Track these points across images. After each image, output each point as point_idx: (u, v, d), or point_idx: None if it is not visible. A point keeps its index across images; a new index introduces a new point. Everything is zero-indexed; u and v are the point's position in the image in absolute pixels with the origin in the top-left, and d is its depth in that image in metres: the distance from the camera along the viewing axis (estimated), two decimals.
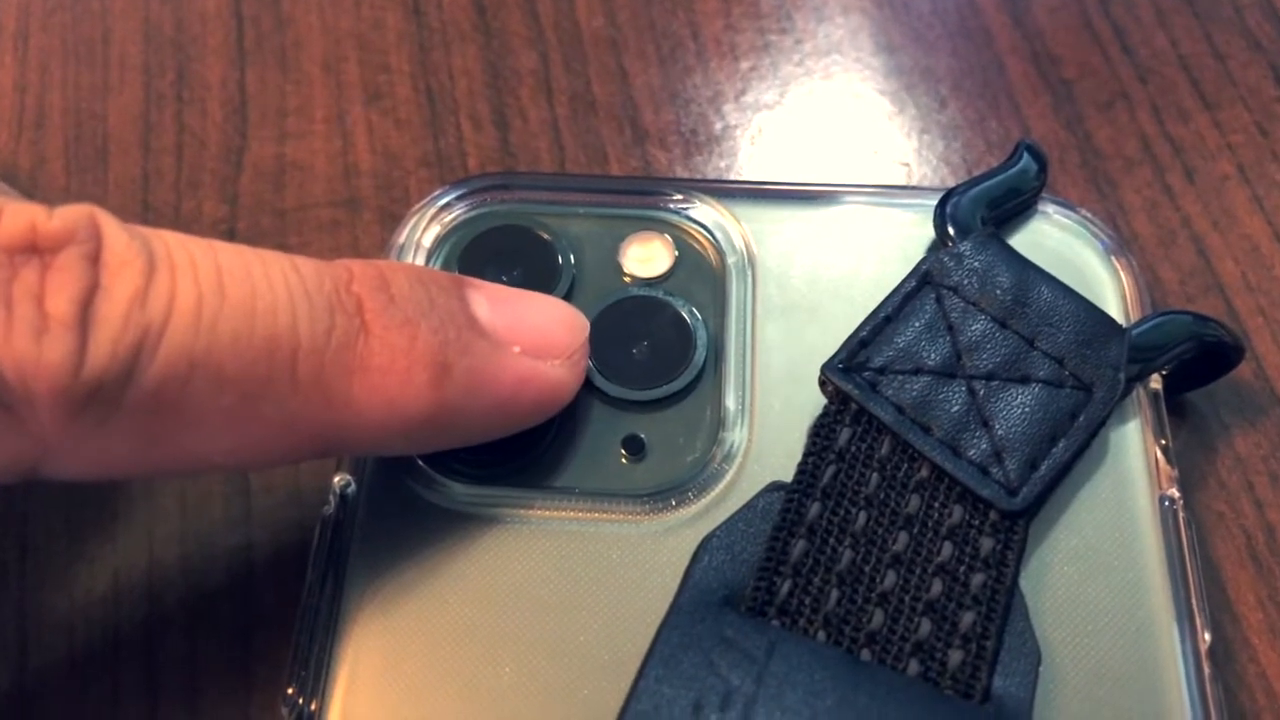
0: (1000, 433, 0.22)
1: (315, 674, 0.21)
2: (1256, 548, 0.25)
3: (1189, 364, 0.24)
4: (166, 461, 0.19)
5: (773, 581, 0.21)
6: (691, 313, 0.25)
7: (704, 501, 0.23)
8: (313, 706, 0.21)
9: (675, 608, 0.21)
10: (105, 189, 0.30)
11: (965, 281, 0.24)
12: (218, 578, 0.24)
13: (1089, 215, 0.26)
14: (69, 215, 0.17)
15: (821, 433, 0.23)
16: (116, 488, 0.25)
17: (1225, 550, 0.25)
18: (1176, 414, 0.25)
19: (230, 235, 0.29)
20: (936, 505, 0.22)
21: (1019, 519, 0.22)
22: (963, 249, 0.24)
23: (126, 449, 0.18)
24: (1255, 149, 0.30)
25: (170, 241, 0.18)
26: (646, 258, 0.26)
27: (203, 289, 0.18)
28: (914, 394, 0.23)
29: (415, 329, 0.20)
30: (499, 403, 0.21)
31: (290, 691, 0.21)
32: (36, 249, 0.17)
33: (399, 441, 0.21)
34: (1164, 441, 0.24)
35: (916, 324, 0.23)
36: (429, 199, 0.27)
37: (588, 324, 0.23)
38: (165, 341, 0.17)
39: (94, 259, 0.17)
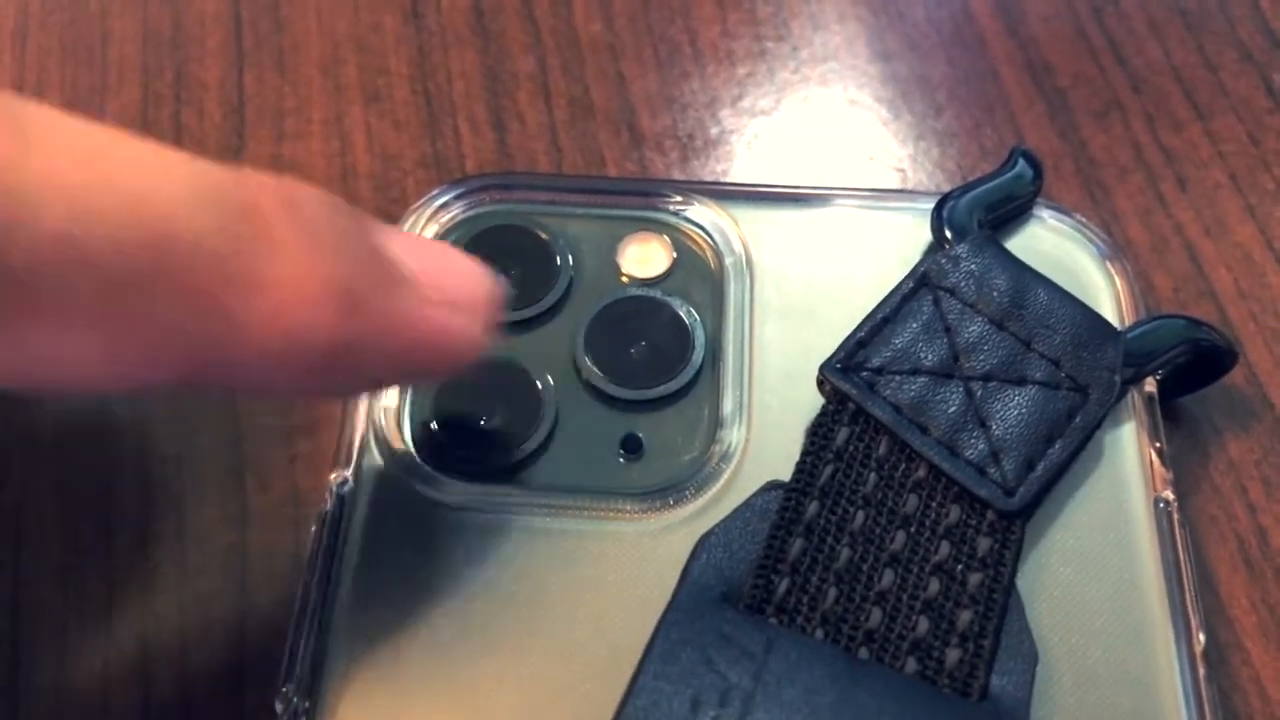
0: (997, 433, 0.22)
1: (310, 672, 0.21)
2: (1249, 551, 0.25)
3: (1183, 368, 0.25)
4: (25, 362, 0.16)
5: (771, 579, 0.21)
6: (689, 313, 0.25)
7: (702, 500, 0.23)
8: (307, 704, 0.21)
9: (673, 605, 0.21)
10: None
11: (962, 283, 0.24)
12: (212, 576, 0.24)
13: (1084, 220, 0.26)
14: None
15: (819, 432, 0.23)
16: (110, 483, 0.25)
17: (1219, 554, 0.25)
18: (1170, 419, 0.25)
19: None
20: (934, 505, 0.22)
21: (1016, 519, 0.22)
22: (960, 251, 0.24)
23: None
24: (1247, 158, 0.30)
25: (54, 118, 0.16)
26: (644, 258, 0.26)
27: (89, 171, 0.16)
28: (912, 394, 0.23)
29: (327, 252, 0.18)
30: (408, 348, 0.19)
31: (285, 689, 0.21)
32: None
33: (290, 377, 0.18)
34: (1159, 444, 0.24)
35: (914, 325, 0.24)
36: (426, 198, 0.27)
37: (498, 283, 0.21)
38: (40, 218, 0.15)
39: None
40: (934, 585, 0.21)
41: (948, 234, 0.25)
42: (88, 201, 0.15)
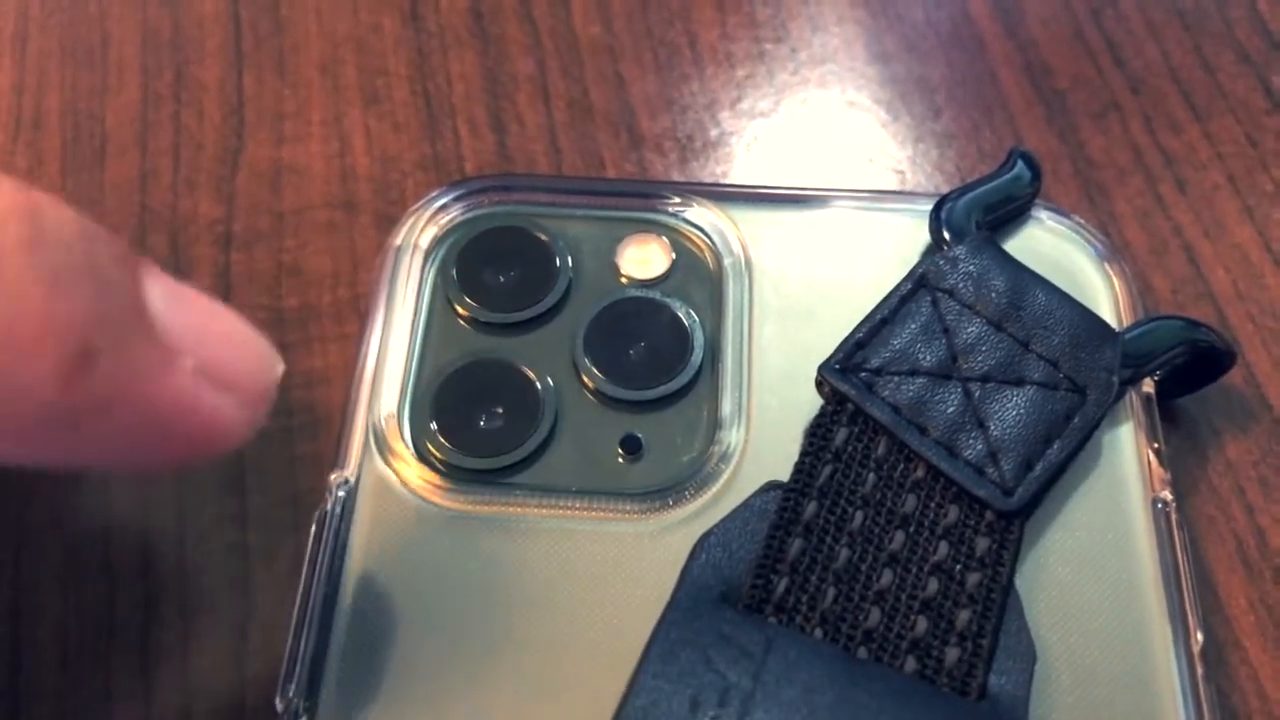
0: (996, 434, 0.22)
1: (310, 672, 0.21)
2: (1247, 552, 0.25)
3: (1181, 369, 0.25)
4: None
5: (770, 579, 0.21)
6: (689, 314, 0.25)
7: (701, 501, 0.23)
8: (307, 704, 0.21)
9: (673, 605, 0.21)
10: (102, 189, 0.30)
11: (961, 285, 0.24)
12: (213, 576, 0.24)
13: (1082, 222, 0.27)
14: None
15: (818, 433, 0.23)
16: (110, 485, 0.25)
17: (1216, 554, 0.25)
18: (1169, 420, 0.25)
19: (226, 235, 0.29)
20: (933, 505, 0.22)
21: (1014, 519, 0.22)
22: (958, 253, 0.25)
23: None
24: (1245, 160, 0.30)
25: None
26: (644, 259, 0.26)
27: None
28: (910, 395, 0.23)
29: (60, 288, 0.14)
30: (146, 423, 0.16)
31: (285, 689, 0.21)
32: None
33: None
34: (1157, 445, 0.24)
35: (913, 326, 0.24)
36: (426, 200, 0.27)
37: (281, 365, 0.18)
38: None
39: None
40: (933, 585, 0.21)
41: (946, 235, 0.25)
42: None
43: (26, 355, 0.14)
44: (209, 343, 0.17)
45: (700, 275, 0.26)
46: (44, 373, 0.14)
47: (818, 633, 0.21)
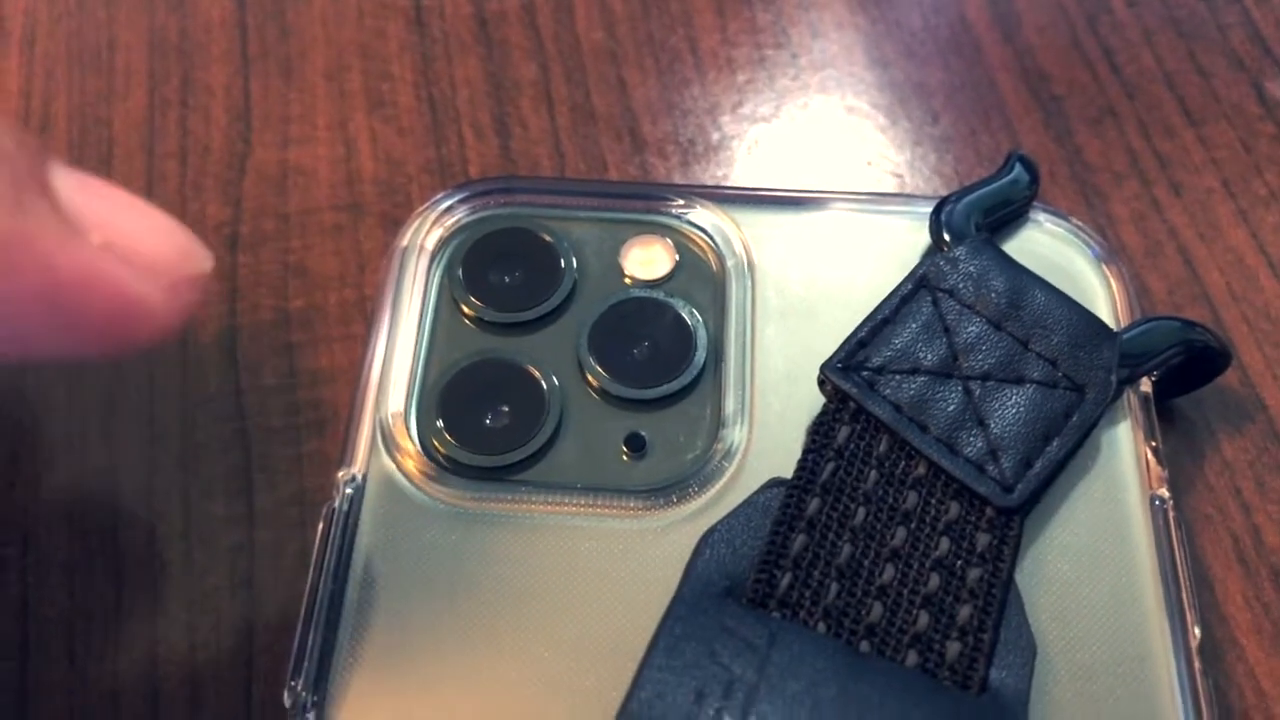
0: (996, 431, 0.23)
1: (318, 667, 0.21)
2: (1244, 549, 0.25)
3: (1177, 369, 0.25)
4: None
5: (773, 574, 0.21)
6: (692, 314, 0.25)
7: (704, 498, 0.23)
8: (315, 698, 0.21)
9: (678, 599, 0.21)
10: None
11: (961, 285, 0.24)
12: (220, 573, 0.24)
13: (1079, 224, 0.27)
14: None
15: (821, 430, 0.23)
16: (120, 485, 0.25)
17: (1213, 552, 0.25)
18: (1165, 420, 0.26)
19: (233, 237, 0.29)
20: (934, 501, 0.22)
21: (1014, 515, 0.22)
22: (958, 254, 0.25)
23: None
24: (1239, 164, 0.31)
25: None
26: (647, 260, 0.26)
27: None
28: (911, 393, 0.23)
29: None
30: (46, 291, 0.15)
31: (293, 684, 0.21)
32: None
33: None
34: (1154, 443, 0.24)
35: (913, 325, 0.24)
36: (431, 202, 0.27)
37: (209, 258, 0.18)
38: None
39: None
40: (934, 580, 0.22)
41: (946, 237, 0.25)
42: None
43: None
44: (120, 224, 0.17)
45: (703, 276, 0.26)
46: None
47: (821, 627, 0.21)
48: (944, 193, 0.27)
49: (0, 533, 0.25)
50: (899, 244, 0.26)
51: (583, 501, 0.23)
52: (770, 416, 0.24)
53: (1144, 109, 0.32)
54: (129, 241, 0.16)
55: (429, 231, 0.27)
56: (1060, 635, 0.22)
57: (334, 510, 0.23)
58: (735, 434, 0.24)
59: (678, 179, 0.30)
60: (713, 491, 0.23)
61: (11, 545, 0.25)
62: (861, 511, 0.22)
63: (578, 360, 0.25)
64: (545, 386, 0.25)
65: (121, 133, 0.31)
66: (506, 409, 0.24)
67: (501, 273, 0.26)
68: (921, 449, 0.23)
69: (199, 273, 0.18)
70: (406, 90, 0.32)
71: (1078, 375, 0.24)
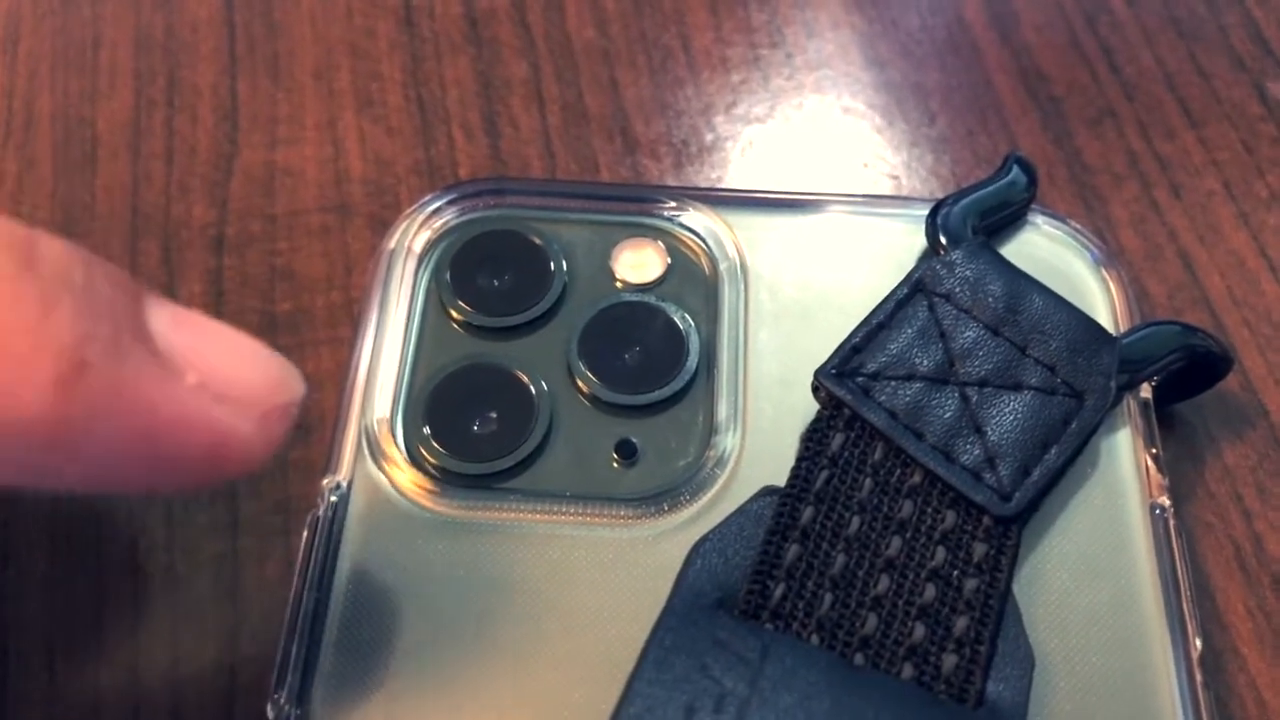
0: (993, 439, 0.22)
1: (301, 679, 0.21)
2: (1245, 557, 0.25)
3: (1178, 374, 0.25)
4: None
5: (766, 585, 0.21)
6: (684, 318, 0.25)
7: (696, 506, 0.23)
8: (298, 712, 0.21)
9: (668, 611, 0.21)
10: (93, 193, 0.29)
11: (957, 289, 0.24)
12: (203, 583, 0.24)
13: (1078, 227, 0.26)
14: None
15: (815, 438, 0.23)
16: (102, 496, 0.25)
17: (1214, 560, 0.25)
18: (1165, 426, 0.25)
19: (219, 239, 0.28)
20: (929, 510, 0.22)
21: (1012, 524, 0.22)
22: (955, 257, 0.24)
23: None
24: (1240, 166, 0.30)
25: None
26: (639, 264, 0.26)
27: None
28: (907, 400, 0.23)
29: (54, 306, 0.15)
30: (147, 436, 0.16)
31: (276, 697, 0.21)
32: None
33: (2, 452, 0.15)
34: (1154, 450, 0.24)
35: (909, 330, 0.24)
36: (420, 204, 0.27)
37: (301, 385, 0.18)
38: None
39: None
40: (930, 591, 0.21)
41: (943, 240, 0.25)
42: None
43: (21, 368, 0.15)
44: (215, 360, 0.17)
45: (695, 280, 0.26)
46: (39, 384, 0.15)
47: (814, 639, 0.21)
48: (941, 195, 0.27)
49: None
50: (895, 247, 0.26)
51: (572, 510, 0.23)
52: (763, 423, 0.24)
53: (1144, 110, 0.31)
54: (222, 375, 0.17)
55: (417, 234, 0.26)
56: (1059, 647, 0.21)
57: (318, 518, 0.23)
58: (728, 441, 0.24)
59: (670, 180, 0.30)
60: (705, 500, 0.23)
61: None
62: (856, 520, 0.22)
63: (567, 365, 0.25)
64: (534, 392, 0.24)
65: (106, 133, 0.30)
66: (495, 415, 0.24)
67: (490, 276, 0.26)
68: (917, 456, 0.22)
69: (291, 401, 0.18)
70: (395, 90, 0.31)
71: (1076, 381, 0.23)
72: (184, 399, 0.17)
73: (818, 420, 0.23)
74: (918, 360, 0.23)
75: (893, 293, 0.24)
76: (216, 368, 0.17)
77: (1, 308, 0.15)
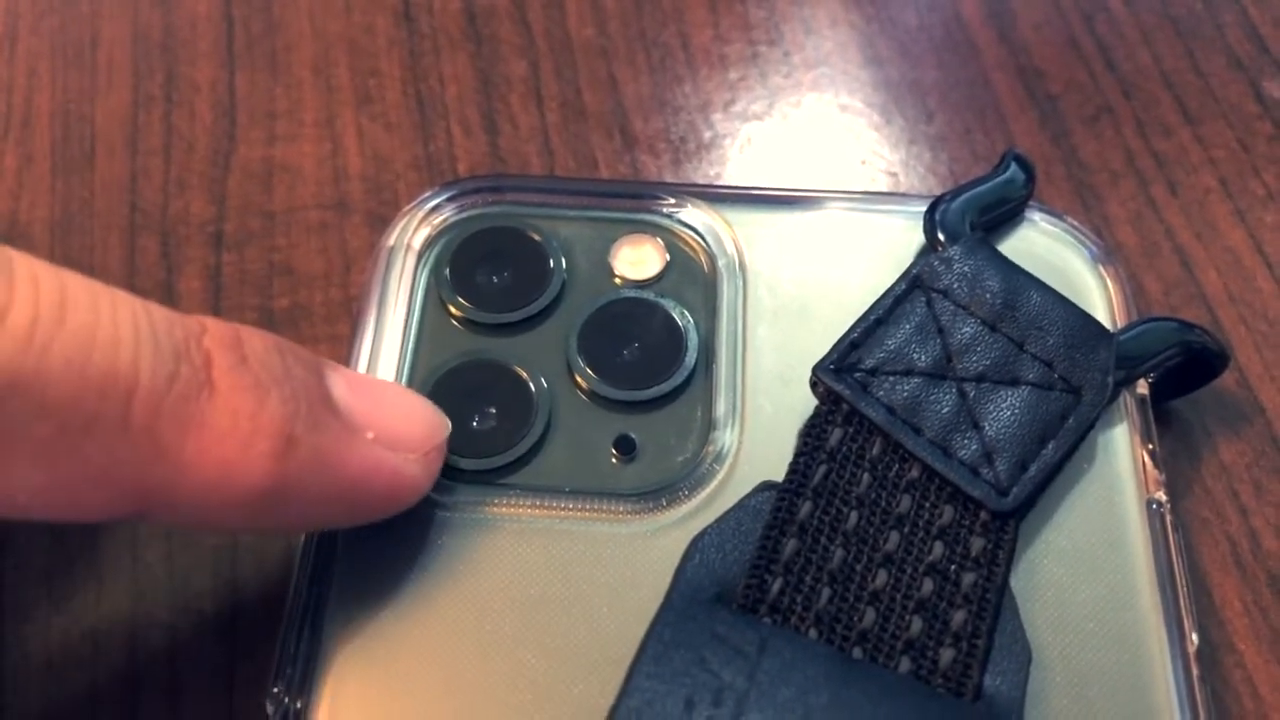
0: (990, 434, 0.22)
1: (301, 672, 0.21)
2: (1241, 553, 0.25)
3: (1174, 370, 0.25)
4: None
5: (764, 579, 0.21)
6: (683, 315, 0.25)
7: (695, 501, 0.23)
8: (298, 705, 0.21)
9: (667, 605, 0.21)
10: (92, 189, 0.29)
11: (955, 285, 0.24)
12: (202, 576, 0.24)
13: (1075, 224, 0.26)
14: None
15: (813, 433, 0.23)
16: None
17: (1210, 556, 0.25)
18: (1162, 422, 0.25)
19: (217, 236, 0.29)
20: (927, 505, 0.22)
21: (1009, 519, 0.22)
22: (952, 253, 0.24)
23: None
24: (1236, 163, 0.30)
25: (13, 256, 0.17)
26: (638, 260, 0.26)
27: (41, 308, 0.16)
28: (905, 395, 0.23)
29: (265, 395, 0.18)
30: (343, 488, 0.20)
31: (276, 690, 0.21)
32: None
33: (229, 513, 0.19)
34: (1151, 446, 0.24)
35: (907, 326, 0.24)
36: (418, 201, 0.27)
37: (448, 425, 0.22)
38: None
39: None
40: (928, 585, 0.21)
41: (940, 236, 0.25)
42: (38, 341, 0.16)
43: (246, 448, 0.18)
44: (385, 416, 0.21)
45: (694, 276, 0.26)
46: (260, 459, 0.18)
47: (812, 633, 0.21)
48: (938, 192, 0.27)
49: None
50: (893, 244, 0.26)
51: (571, 505, 0.23)
52: (762, 419, 0.24)
53: (1141, 108, 0.31)
54: (391, 427, 0.21)
55: (416, 230, 0.26)
56: (1056, 641, 0.21)
57: None
58: (726, 436, 0.24)
59: (669, 177, 0.30)
60: (703, 495, 0.23)
61: None
62: (854, 515, 0.22)
63: (566, 362, 0.25)
64: (533, 388, 0.24)
65: (104, 129, 0.30)
66: (494, 411, 0.24)
67: (489, 272, 0.26)
68: (915, 452, 0.22)
69: (444, 440, 0.22)
70: (394, 86, 0.31)
71: (1074, 377, 0.23)
72: (366, 453, 0.20)
73: (816, 416, 0.23)
74: (916, 356, 0.23)
75: (891, 289, 0.24)
76: (386, 422, 0.21)
77: (228, 398, 0.18)
